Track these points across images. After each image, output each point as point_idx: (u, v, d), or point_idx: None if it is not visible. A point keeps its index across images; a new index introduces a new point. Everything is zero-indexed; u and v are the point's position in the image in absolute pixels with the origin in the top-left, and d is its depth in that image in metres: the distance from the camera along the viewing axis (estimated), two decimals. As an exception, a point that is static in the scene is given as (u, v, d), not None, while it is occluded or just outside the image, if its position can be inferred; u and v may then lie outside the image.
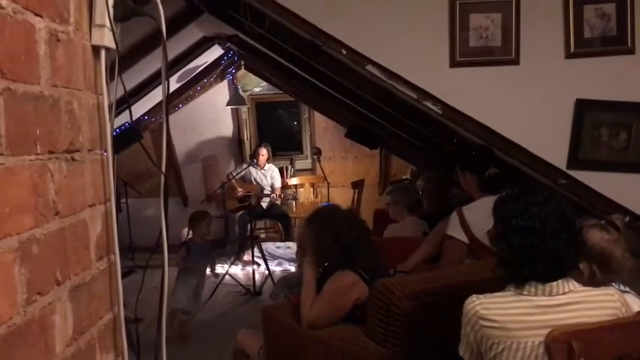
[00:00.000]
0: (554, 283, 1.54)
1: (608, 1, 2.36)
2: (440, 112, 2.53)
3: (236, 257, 5.68)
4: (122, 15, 1.29)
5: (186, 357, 3.61)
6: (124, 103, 1.69)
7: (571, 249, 1.58)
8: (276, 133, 7.81)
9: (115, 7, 1.26)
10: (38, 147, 0.98)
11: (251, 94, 7.45)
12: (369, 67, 2.53)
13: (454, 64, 2.48)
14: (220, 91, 7.01)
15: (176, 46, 4.52)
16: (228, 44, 5.39)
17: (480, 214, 2.58)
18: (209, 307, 4.58)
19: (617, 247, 1.80)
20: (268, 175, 6.68)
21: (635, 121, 2.42)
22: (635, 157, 2.43)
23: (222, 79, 6.90)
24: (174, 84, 5.80)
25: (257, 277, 5.18)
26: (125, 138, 4.39)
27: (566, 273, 1.57)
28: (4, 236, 0.86)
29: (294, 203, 7.19)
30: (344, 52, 2.53)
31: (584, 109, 2.44)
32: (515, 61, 2.45)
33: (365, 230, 2.66)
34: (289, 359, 2.53)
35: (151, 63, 3.97)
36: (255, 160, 6.65)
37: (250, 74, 6.91)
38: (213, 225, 4.95)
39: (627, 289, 1.81)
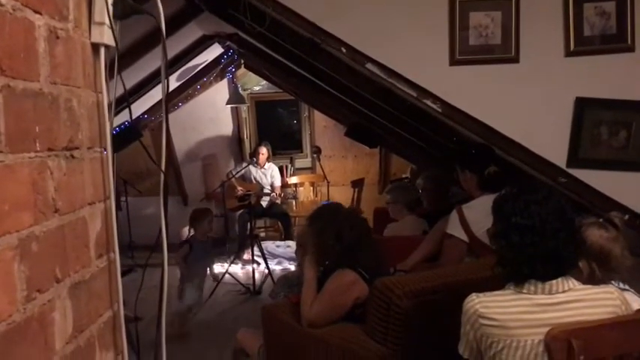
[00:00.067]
0: (554, 282, 1.54)
1: None
2: (440, 110, 2.54)
3: (236, 256, 5.68)
4: (121, 13, 1.29)
5: (186, 356, 3.60)
6: (123, 101, 1.69)
7: (571, 247, 1.58)
8: (276, 131, 7.81)
9: (114, 4, 1.25)
10: (37, 144, 0.98)
11: (251, 93, 7.45)
12: (369, 66, 2.53)
13: (454, 62, 2.48)
14: (220, 90, 7.01)
15: (176, 45, 4.51)
16: (227, 43, 5.39)
17: (479, 213, 2.59)
18: (209, 306, 4.59)
19: (616, 245, 1.80)
20: (268, 173, 6.68)
21: (635, 119, 2.42)
22: (634, 156, 2.43)
23: (221, 78, 6.90)
24: (173, 82, 5.80)
25: (257, 276, 5.18)
26: (125, 136, 4.40)
27: (566, 271, 1.57)
28: (3, 233, 0.86)
29: (293, 202, 7.19)
30: (344, 50, 2.53)
31: (584, 107, 2.44)
32: (515, 60, 2.45)
33: (366, 229, 2.66)
34: (289, 358, 2.53)
35: (151, 61, 3.97)
36: (255, 159, 6.65)
37: (250, 73, 6.91)
38: (214, 224, 4.95)
39: (626, 287, 1.81)
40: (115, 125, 1.67)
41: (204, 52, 5.44)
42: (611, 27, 2.37)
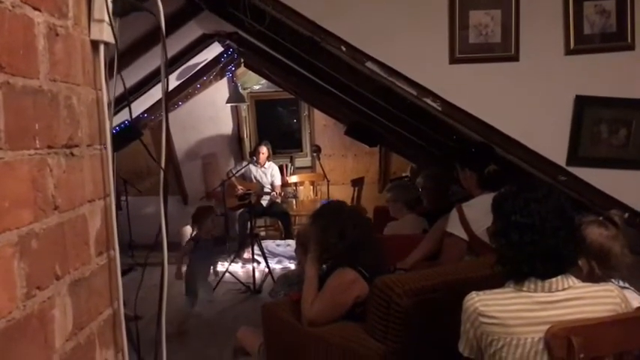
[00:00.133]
0: (554, 280, 1.54)
1: (607, -2, 2.37)
2: (439, 108, 2.54)
3: (236, 255, 5.68)
4: (121, 10, 1.29)
5: (186, 354, 3.61)
6: (123, 100, 1.69)
7: (570, 245, 1.57)
8: (276, 130, 7.80)
9: (113, 1, 1.25)
10: (37, 141, 0.98)
11: (251, 92, 7.45)
12: (369, 64, 2.53)
13: (454, 60, 2.48)
14: (220, 89, 7.00)
15: (175, 44, 4.51)
16: (227, 42, 5.38)
17: (479, 211, 2.59)
18: (209, 305, 4.59)
19: (615, 243, 1.80)
20: (268, 172, 6.68)
21: (635, 117, 2.42)
22: (634, 154, 2.43)
23: (221, 77, 6.89)
24: (173, 81, 5.80)
25: (257, 274, 5.18)
26: (125, 135, 4.38)
27: (566, 269, 1.57)
28: (3, 230, 0.86)
29: (294, 201, 7.18)
30: (344, 48, 2.53)
31: (583, 105, 2.44)
32: (515, 58, 2.45)
33: (369, 227, 2.66)
34: (289, 356, 2.53)
35: (151, 60, 3.97)
36: (255, 158, 6.65)
37: (250, 72, 6.90)
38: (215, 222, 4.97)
39: (626, 284, 1.81)
40: (115, 124, 1.67)
41: (204, 51, 5.44)
42: (611, 25, 2.37)
